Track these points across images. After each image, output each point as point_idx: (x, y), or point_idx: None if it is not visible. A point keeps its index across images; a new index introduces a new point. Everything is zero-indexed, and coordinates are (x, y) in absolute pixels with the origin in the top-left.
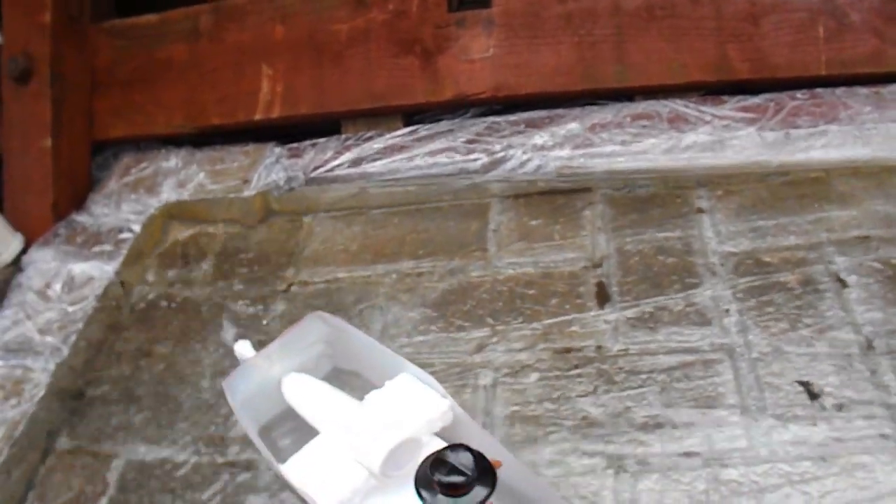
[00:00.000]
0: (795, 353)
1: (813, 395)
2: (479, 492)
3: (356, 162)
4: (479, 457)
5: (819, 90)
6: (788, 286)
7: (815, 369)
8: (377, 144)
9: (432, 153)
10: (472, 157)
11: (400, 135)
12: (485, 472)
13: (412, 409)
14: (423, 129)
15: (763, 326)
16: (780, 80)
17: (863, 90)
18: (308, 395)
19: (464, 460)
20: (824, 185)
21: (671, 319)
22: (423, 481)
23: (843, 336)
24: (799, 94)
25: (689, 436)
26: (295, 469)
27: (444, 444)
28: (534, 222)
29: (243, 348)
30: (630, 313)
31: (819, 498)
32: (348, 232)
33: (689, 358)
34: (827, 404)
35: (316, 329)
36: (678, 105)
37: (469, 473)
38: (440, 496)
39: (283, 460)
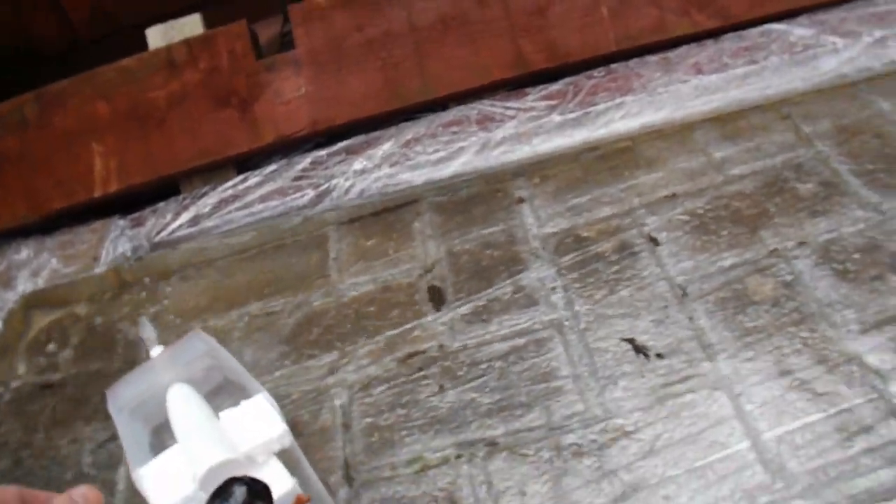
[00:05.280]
0: (618, 314)
1: (637, 350)
2: None
3: (194, 220)
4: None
5: (613, 66)
6: (606, 255)
7: (638, 326)
8: (211, 199)
9: (263, 198)
10: (299, 194)
11: (231, 185)
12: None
13: (253, 430)
14: (253, 176)
15: (587, 297)
16: (576, 64)
17: (652, 58)
18: (177, 406)
19: (238, 494)
20: (632, 153)
21: (502, 308)
22: None
23: (659, 290)
24: (595, 73)
25: (529, 412)
26: (145, 473)
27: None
28: (369, 242)
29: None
30: (464, 310)
31: (653, 441)
32: (198, 287)
33: (521, 341)
34: (651, 355)
35: (198, 344)
36: (485, 105)
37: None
38: None
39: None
